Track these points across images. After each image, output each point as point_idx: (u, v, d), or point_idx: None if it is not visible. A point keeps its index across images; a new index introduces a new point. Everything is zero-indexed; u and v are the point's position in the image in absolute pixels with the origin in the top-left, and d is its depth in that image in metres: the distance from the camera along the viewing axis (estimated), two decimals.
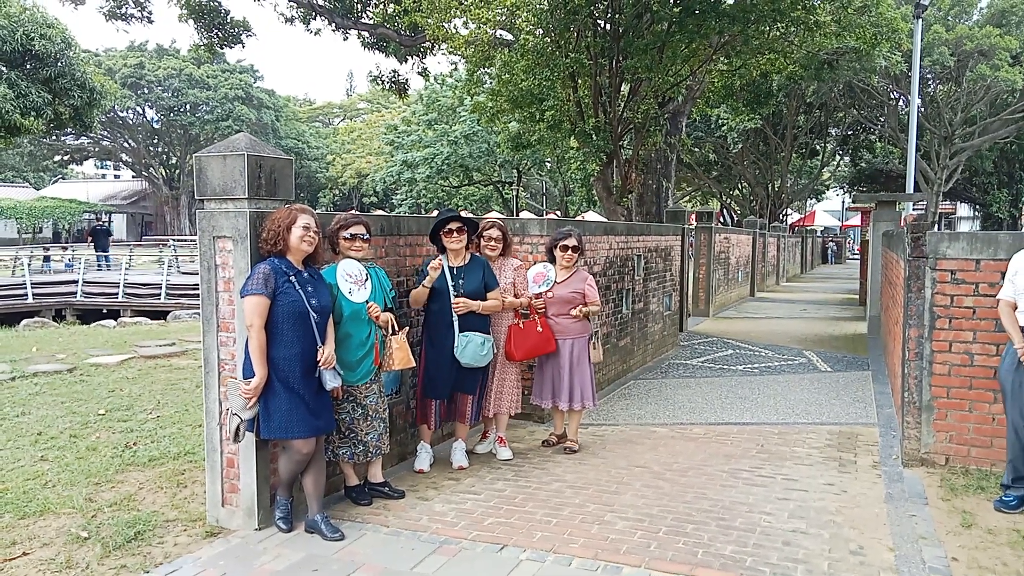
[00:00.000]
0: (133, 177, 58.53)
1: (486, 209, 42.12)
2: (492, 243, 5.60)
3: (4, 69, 19.98)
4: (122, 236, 51.48)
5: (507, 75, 12.65)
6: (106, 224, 38.59)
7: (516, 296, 5.64)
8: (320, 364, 4.17)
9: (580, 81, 12.43)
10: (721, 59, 13.40)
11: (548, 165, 37.76)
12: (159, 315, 18.59)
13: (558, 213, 39.85)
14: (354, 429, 4.58)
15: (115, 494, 4.76)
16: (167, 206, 53.22)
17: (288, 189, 4.47)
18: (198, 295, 4.63)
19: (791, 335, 12.84)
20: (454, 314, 5.18)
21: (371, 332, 4.58)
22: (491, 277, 5.39)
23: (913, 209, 16.12)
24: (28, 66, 20.53)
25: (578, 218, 16.71)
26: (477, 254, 5.49)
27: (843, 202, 49.57)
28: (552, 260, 5.92)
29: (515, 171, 39.10)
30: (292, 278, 4.12)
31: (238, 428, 4.08)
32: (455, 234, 5.23)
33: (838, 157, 37.24)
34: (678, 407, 7.56)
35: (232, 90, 50.08)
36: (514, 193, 40.46)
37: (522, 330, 5.58)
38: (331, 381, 4.22)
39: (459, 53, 13.40)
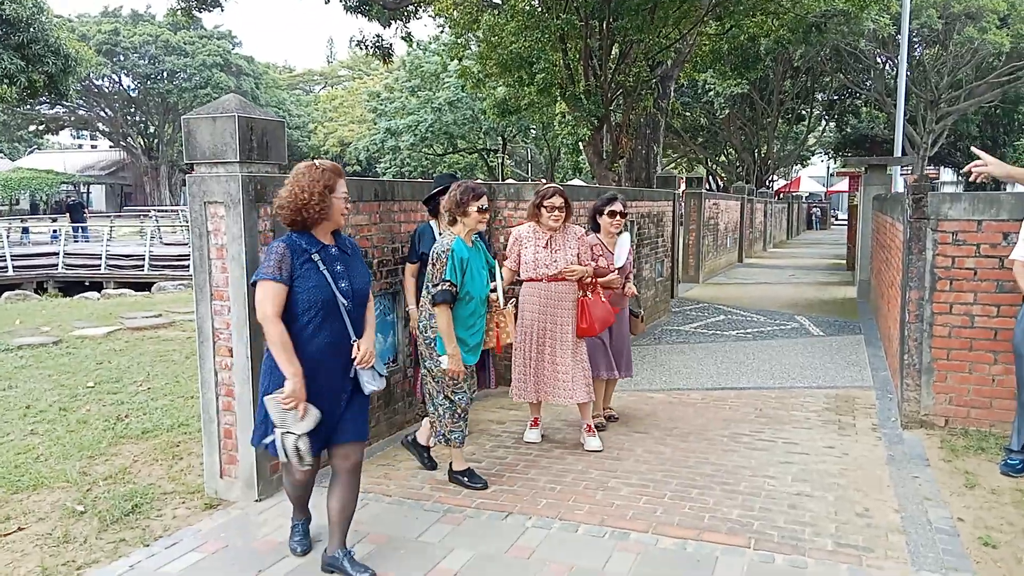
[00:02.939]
0: (111, 147, 57.29)
1: (471, 177, 41.71)
2: (556, 212, 4.93)
3: None
4: (102, 207, 50.63)
5: (495, 38, 12.41)
6: (78, 199, 38.18)
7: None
8: (356, 363, 3.36)
9: (570, 44, 12.22)
10: (711, 22, 13.20)
11: (533, 132, 37.37)
12: (143, 286, 18.29)
13: (544, 180, 39.56)
14: (468, 409, 4.43)
15: (109, 467, 4.67)
16: (146, 176, 52.26)
17: (280, 152, 4.33)
18: (183, 266, 4.47)
19: (782, 300, 12.85)
20: None
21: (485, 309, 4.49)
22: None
23: (901, 174, 16.10)
24: None
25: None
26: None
27: (828, 168, 49.56)
28: (595, 228, 5.58)
29: (500, 138, 38.68)
30: (315, 256, 3.29)
31: (297, 448, 3.20)
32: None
33: (824, 122, 37.15)
34: (674, 373, 7.54)
35: (210, 57, 48.93)
36: (499, 161, 40.10)
37: (591, 302, 5.13)
38: (370, 383, 3.40)
39: (445, 15, 13.12)
